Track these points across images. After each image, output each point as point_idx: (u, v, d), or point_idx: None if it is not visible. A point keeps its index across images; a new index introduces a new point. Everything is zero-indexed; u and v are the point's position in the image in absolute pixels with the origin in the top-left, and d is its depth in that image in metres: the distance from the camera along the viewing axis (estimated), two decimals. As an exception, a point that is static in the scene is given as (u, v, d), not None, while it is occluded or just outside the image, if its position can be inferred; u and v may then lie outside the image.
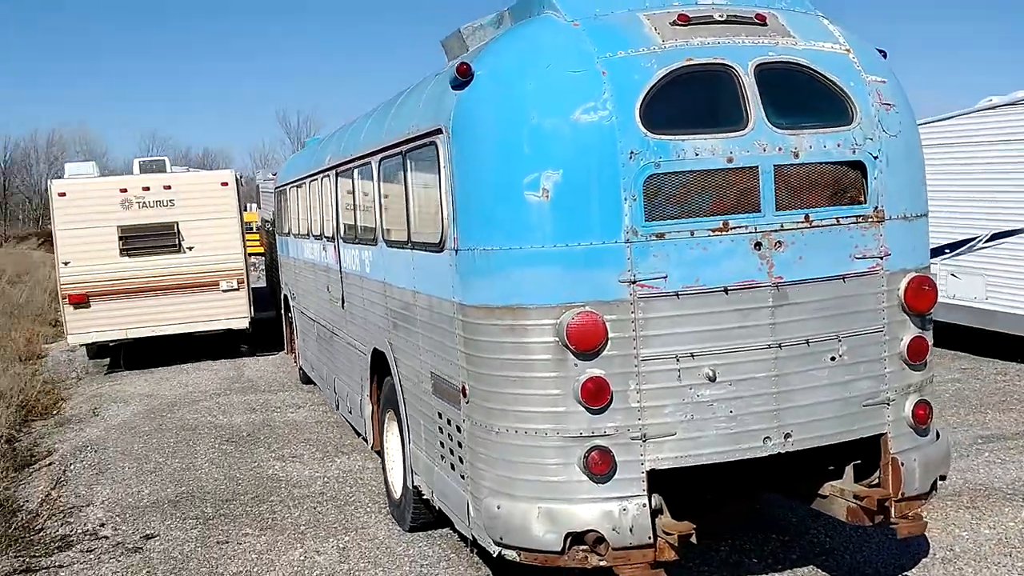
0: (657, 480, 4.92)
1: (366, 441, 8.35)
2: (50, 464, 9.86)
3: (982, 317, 12.76)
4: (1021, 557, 6.23)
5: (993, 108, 12.75)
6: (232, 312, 15.30)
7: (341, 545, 6.98)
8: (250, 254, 22.03)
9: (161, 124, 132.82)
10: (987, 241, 12.69)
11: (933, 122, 13.81)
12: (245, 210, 29.19)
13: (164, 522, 7.78)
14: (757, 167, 4.85)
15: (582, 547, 4.84)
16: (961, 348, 13.57)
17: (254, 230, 25.78)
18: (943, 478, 5.56)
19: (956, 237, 13.18)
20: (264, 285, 22.19)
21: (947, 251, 13.36)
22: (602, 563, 4.84)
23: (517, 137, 4.83)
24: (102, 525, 7.79)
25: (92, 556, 7.08)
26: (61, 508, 8.27)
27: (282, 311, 14.72)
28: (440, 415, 5.79)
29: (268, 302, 18.82)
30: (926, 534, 6.61)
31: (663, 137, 4.75)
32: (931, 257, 13.57)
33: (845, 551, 6.48)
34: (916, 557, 6.32)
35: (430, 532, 6.98)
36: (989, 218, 12.56)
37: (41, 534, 7.56)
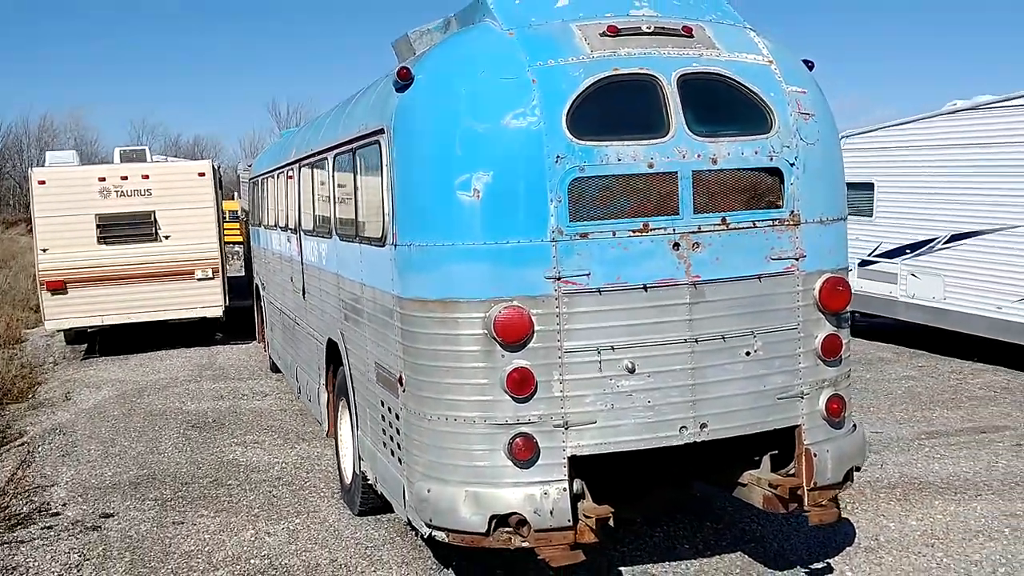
0: (581, 466, 5.19)
1: (322, 428, 8.61)
2: (20, 446, 10.10)
3: (940, 316, 13.06)
4: (942, 548, 6.51)
5: (956, 112, 13.04)
6: (207, 301, 15.54)
7: (291, 527, 7.25)
8: (231, 243, 22.26)
9: (152, 111, 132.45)
10: (946, 242, 12.99)
11: (898, 125, 14.12)
12: (232, 198, 29.43)
13: (124, 502, 8.04)
14: (676, 172, 5.12)
15: (506, 529, 5.11)
16: (920, 346, 13.89)
17: (238, 218, 25.92)
18: (858, 469, 5.83)
19: (917, 238, 13.49)
20: (243, 274, 22.37)
21: (908, 251, 13.67)
22: (524, 544, 5.10)
23: (451, 139, 5.09)
24: (64, 504, 8.04)
25: (51, 533, 7.33)
26: (26, 487, 8.52)
27: (255, 300, 14.95)
28: (383, 403, 6.05)
29: (247, 291, 19.02)
30: (854, 524, 6.94)
31: (588, 143, 5.02)
32: (893, 257, 13.96)
33: (773, 539, 6.77)
34: (841, 546, 6.60)
35: (379, 516, 7.24)
36: (949, 220, 12.85)
37: (5, 511, 7.80)
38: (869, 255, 14.23)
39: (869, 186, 14.25)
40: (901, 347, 14.08)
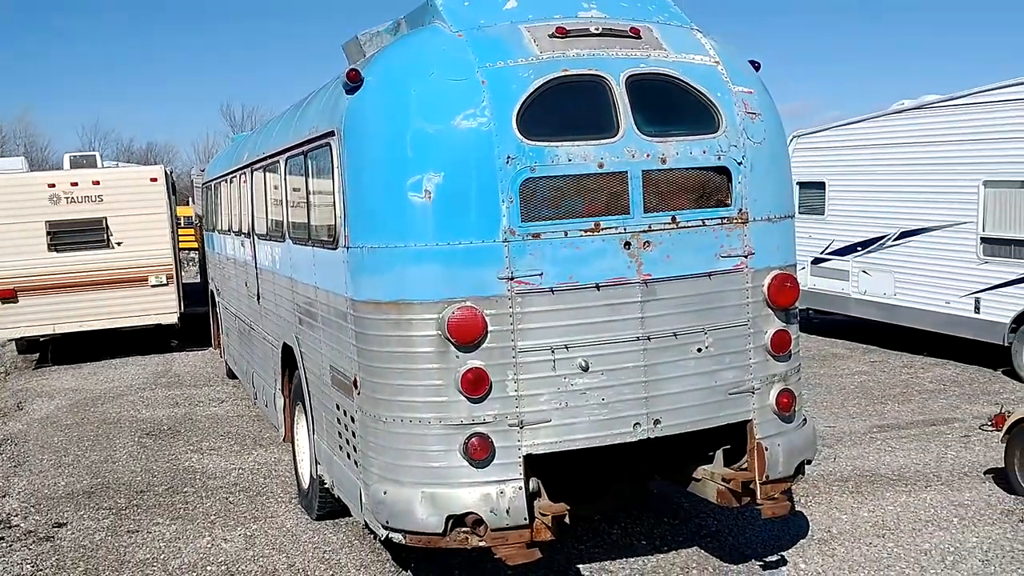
0: (537, 464, 5.23)
1: (279, 433, 8.57)
2: (-30, 457, 9.94)
3: (891, 312, 13.30)
4: (892, 538, 6.64)
5: (904, 111, 13.28)
6: (161, 307, 15.39)
7: (248, 533, 7.21)
8: (185, 249, 22.06)
9: (104, 116, 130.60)
10: (896, 239, 13.23)
11: (848, 124, 14.35)
12: (186, 204, 29.16)
13: (77, 512, 7.94)
14: (626, 172, 5.18)
15: (463, 529, 5.13)
16: (872, 342, 14.12)
17: (193, 224, 25.68)
18: (809, 462, 5.92)
19: (867, 236, 13.72)
20: (199, 280, 22.18)
21: (859, 249, 13.89)
22: (481, 544, 5.13)
23: (401, 141, 5.10)
24: (15, 515, 7.93)
25: (3, 544, 7.23)
26: (-24, 499, 8.40)
27: (210, 306, 14.84)
28: (338, 407, 6.04)
29: (203, 297, 18.86)
30: (807, 517, 7.04)
31: (538, 143, 5.06)
32: (844, 255, 14.19)
33: (729, 533, 6.85)
34: (795, 538, 6.71)
35: (337, 520, 7.23)
36: (898, 217, 13.09)
37: (-46, 524, 7.69)
38: (821, 253, 14.44)
39: (820, 185, 14.47)
40: (854, 343, 14.30)
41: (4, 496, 8.49)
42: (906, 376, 11.97)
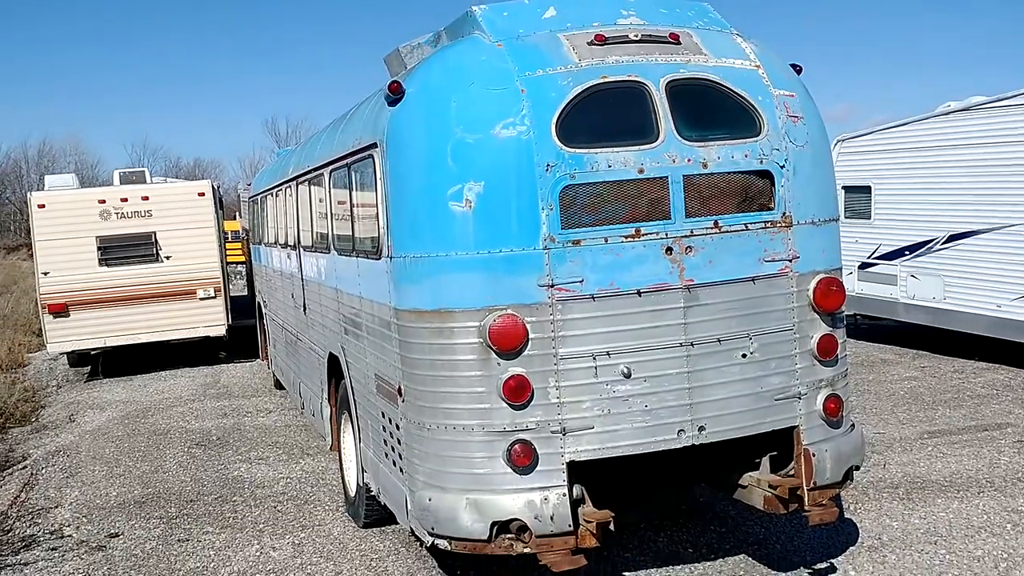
0: (581, 471, 5.22)
1: (326, 442, 8.65)
2: (23, 468, 10.13)
3: (940, 317, 13.09)
4: (944, 545, 6.53)
5: (950, 113, 13.10)
6: (209, 320, 15.60)
7: (296, 541, 7.28)
8: (233, 263, 22.33)
9: (152, 134, 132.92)
10: (945, 243, 13.02)
11: (893, 127, 14.18)
12: (233, 219, 29.53)
13: (128, 522, 8.07)
14: (667, 177, 5.17)
15: (507, 535, 5.14)
16: (922, 347, 13.91)
17: (240, 238, 25.99)
18: (857, 468, 5.85)
19: (915, 239, 13.52)
20: (246, 293, 22.45)
21: (907, 253, 13.69)
22: (526, 550, 5.14)
23: (442, 151, 5.14)
24: (68, 525, 8.07)
25: (56, 554, 7.36)
26: (30, 510, 8.56)
27: (257, 318, 15.01)
28: (383, 414, 6.09)
29: (250, 309, 19.09)
30: (857, 523, 6.95)
31: (578, 150, 5.07)
32: (892, 259, 13.99)
33: (776, 541, 6.78)
34: (844, 546, 6.61)
35: (383, 528, 7.27)
36: (947, 220, 12.89)
37: (9, 535, 7.84)
38: (868, 257, 14.26)
39: (866, 189, 14.29)
40: (903, 348, 14.09)
41: (57, 507, 8.65)
42: (957, 381, 11.76)
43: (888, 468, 8.29)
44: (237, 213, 31.37)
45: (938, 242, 13.11)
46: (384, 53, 6.47)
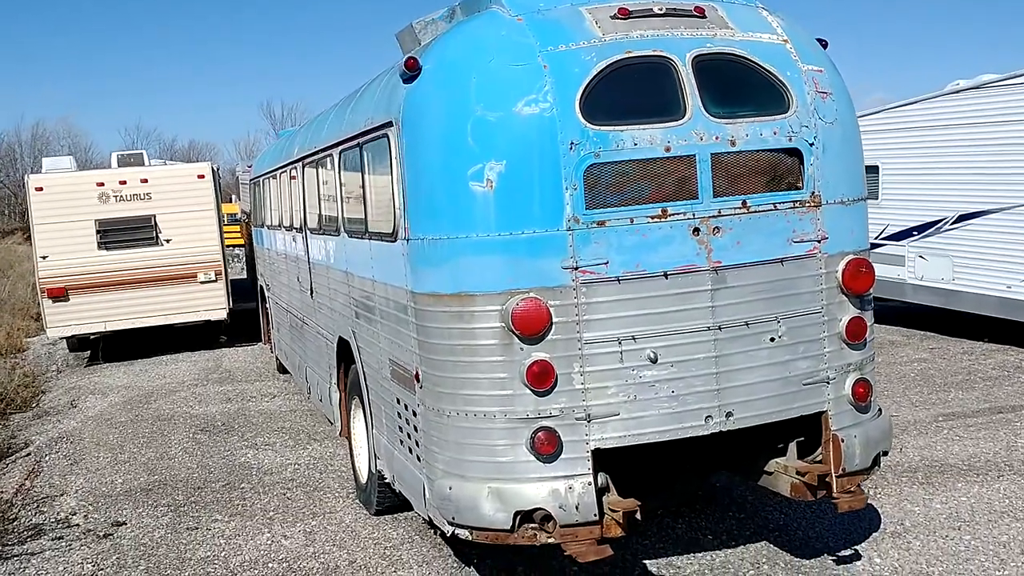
0: (604, 459, 5.08)
1: (335, 428, 8.51)
2: (27, 455, 9.99)
3: (949, 298, 12.97)
4: (969, 531, 6.42)
5: (959, 92, 12.93)
6: (210, 304, 15.43)
7: (308, 529, 7.15)
8: (231, 246, 22.17)
9: (146, 116, 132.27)
10: (954, 223, 12.89)
11: (901, 106, 14.01)
12: (229, 201, 29.33)
13: (136, 509, 7.93)
14: (694, 155, 5.00)
15: (531, 525, 5.00)
16: (930, 328, 13.80)
17: (237, 221, 25.82)
18: (885, 453, 5.72)
19: (924, 219, 13.38)
20: (245, 276, 22.29)
21: (915, 233, 13.56)
22: (550, 540, 5.00)
23: (461, 129, 4.97)
24: (74, 514, 7.93)
25: (63, 543, 7.22)
26: (35, 498, 8.41)
27: (259, 301, 14.85)
28: (398, 400, 5.94)
29: (250, 293, 18.94)
30: (878, 509, 6.84)
31: (602, 128, 4.90)
32: (900, 239, 13.87)
33: (798, 527, 6.67)
34: (867, 532, 6.51)
35: (396, 515, 7.15)
36: (956, 200, 12.75)
37: (15, 523, 7.70)
38: (876, 238, 14.09)
39: (874, 168, 14.13)
40: (911, 329, 13.99)
41: (62, 495, 8.51)
42: (967, 363, 11.66)
43: (905, 452, 8.18)
44: (233, 196, 31.19)
45: (947, 222, 12.98)
46: (382, 33, 6.30)
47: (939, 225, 13.12)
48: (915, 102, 13.71)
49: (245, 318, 16.59)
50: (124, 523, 7.62)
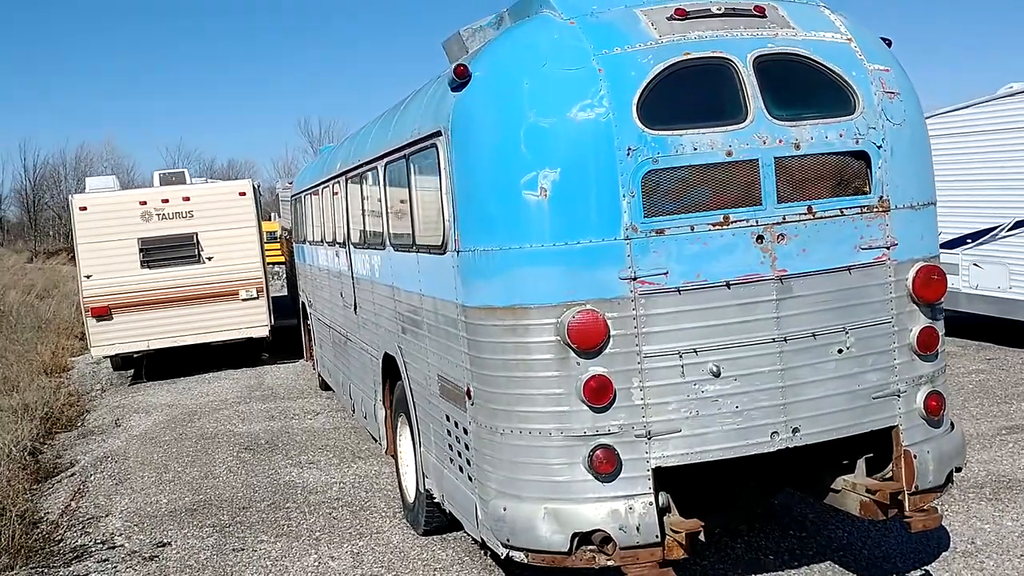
0: (664, 477, 4.87)
1: (380, 446, 8.36)
2: (72, 475, 9.93)
3: (1006, 307, 12.59)
4: (1044, 550, 6.13)
5: (1014, 95, 12.59)
6: (252, 321, 15.39)
7: (355, 550, 6.98)
8: (271, 263, 22.19)
9: (186, 137, 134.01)
10: (1010, 229, 12.53)
11: (954, 111, 13.67)
12: (268, 219, 29.43)
13: (181, 530, 7.81)
14: (757, 160, 4.80)
15: (589, 547, 4.80)
16: (986, 339, 13.42)
17: (276, 239, 25.87)
18: (959, 470, 5.45)
19: (978, 226, 13.02)
20: (285, 293, 22.31)
21: (969, 241, 13.20)
22: (610, 563, 4.80)
23: (514, 136, 4.81)
24: (119, 534, 7.83)
25: (108, 565, 7.12)
26: (80, 519, 8.33)
27: (301, 318, 14.78)
28: (448, 417, 5.77)
29: (290, 310, 18.91)
30: (947, 527, 6.55)
31: (661, 132, 4.72)
32: (953, 247, 13.51)
33: (863, 546, 6.40)
34: (936, 551, 6.23)
35: (444, 536, 6.97)
36: (1012, 206, 12.39)
37: (60, 544, 7.61)
38: (928, 246, 13.75)
39: (925, 175, 13.78)
40: (965, 340, 13.60)
41: (107, 515, 8.42)
42: (1028, 374, 11.29)
43: (970, 466, 7.86)
44: (272, 214, 31.31)
45: (1003, 228, 12.61)
46: (416, 49, 6.16)
47: (994, 232, 12.75)
48: (967, 107, 13.37)
49: (286, 335, 16.53)
50: (169, 544, 7.51)
